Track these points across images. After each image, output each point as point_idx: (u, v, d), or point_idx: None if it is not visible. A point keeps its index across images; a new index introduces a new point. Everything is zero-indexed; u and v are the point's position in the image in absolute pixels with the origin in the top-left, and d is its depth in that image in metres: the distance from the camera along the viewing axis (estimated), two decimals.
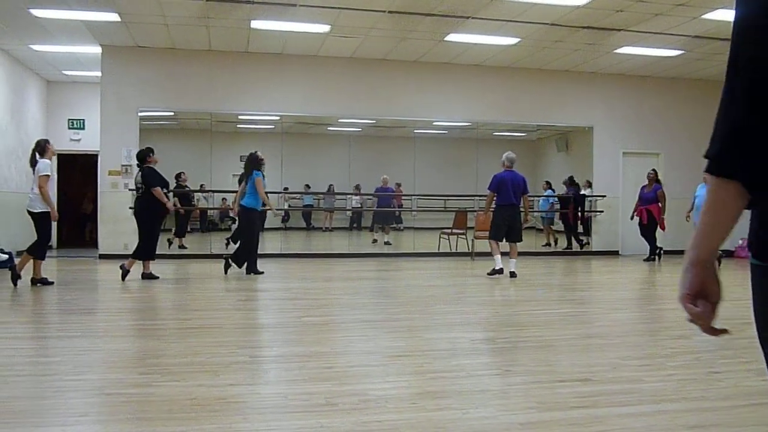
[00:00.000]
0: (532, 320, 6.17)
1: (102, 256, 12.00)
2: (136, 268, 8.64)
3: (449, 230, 13.65)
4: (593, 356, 4.62)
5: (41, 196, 7.91)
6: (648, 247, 12.78)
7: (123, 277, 8.52)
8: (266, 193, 9.70)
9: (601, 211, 14.15)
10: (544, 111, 14.20)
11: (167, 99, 12.50)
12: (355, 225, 17.18)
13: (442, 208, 15.39)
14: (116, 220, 12.11)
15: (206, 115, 13.22)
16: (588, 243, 14.51)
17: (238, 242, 9.94)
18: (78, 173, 14.92)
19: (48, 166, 8.02)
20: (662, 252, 12.79)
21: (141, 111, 12.34)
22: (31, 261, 8.16)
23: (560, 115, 14.32)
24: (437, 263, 12.01)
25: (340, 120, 14.94)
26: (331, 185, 15.84)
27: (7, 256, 10.37)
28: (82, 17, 10.24)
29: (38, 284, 8.06)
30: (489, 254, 13.30)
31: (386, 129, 15.72)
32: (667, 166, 14.67)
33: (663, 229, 12.78)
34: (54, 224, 8.53)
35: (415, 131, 15.11)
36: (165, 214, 9.09)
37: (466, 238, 13.81)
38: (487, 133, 15.60)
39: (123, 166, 12.21)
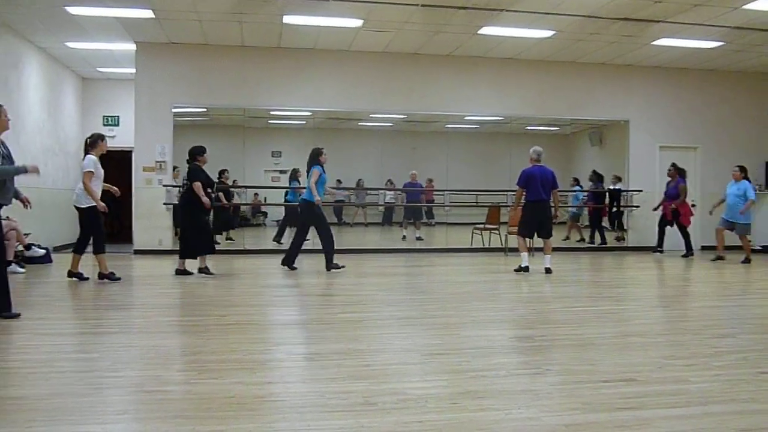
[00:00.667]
0: (569, 317, 6.06)
1: (137, 252, 12.11)
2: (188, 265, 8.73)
3: (482, 226, 13.53)
4: (635, 355, 4.50)
5: (85, 192, 7.97)
6: (683, 242, 12.56)
7: (179, 273, 8.73)
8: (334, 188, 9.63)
9: (637, 206, 13.91)
10: (579, 105, 14.00)
11: (200, 95, 12.56)
12: (386, 222, 17.11)
13: (474, 203, 15.26)
14: (151, 216, 12.22)
15: (239, 110, 13.25)
16: (623, 238, 14.28)
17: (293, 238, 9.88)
18: (113, 169, 15.00)
19: (93, 162, 8.05)
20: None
21: (174, 107, 12.42)
22: (73, 255, 8.31)
23: (595, 108, 14.10)
24: (470, 259, 11.92)
25: (371, 115, 14.89)
26: (360, 180, 15.72)
27: (44, 251, 10.52)
28: (116, 14, 10.32)
29: (74, 278, 8.17)
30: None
31: (418, 124, 15.61)
32: (704, 160, 14.40)
33: (686, 223, 12.60)
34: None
35: (447, 126, 15.01)
36: (207, 210, 9.08)
37: (499, 234, 13.68)
38: (520, 128, 15.41)
39: (157, 162, 12.31)
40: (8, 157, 5.84)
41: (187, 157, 9.21)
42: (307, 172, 9.65)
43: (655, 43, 11.96)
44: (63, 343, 4.83)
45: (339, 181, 16.58)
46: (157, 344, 4.79)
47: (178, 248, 9.28)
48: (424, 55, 13.08)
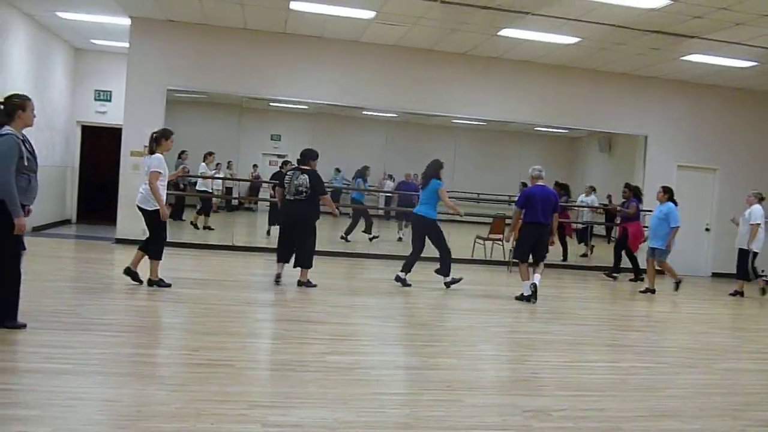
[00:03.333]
0: (589, 380, 5.38)
1: (119, 240, 11.39)
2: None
3: (485, 236, 12.82)
4: None
5: (152, 193, 7.37)
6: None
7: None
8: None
9: (646, 227, 13.21)
10: (596, 115, 13.27)
11: (196, 78, 11.78)
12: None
13: (476, 203, 14.61)
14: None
15: (237, 98, 12.51)
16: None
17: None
18: (103, 147, 14.27)
19: (161, 161, 7.45)
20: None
21: (168, 89, 11.64)
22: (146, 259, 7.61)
23: (613, 121, 13.38)
24: (471, 274, 10.99)
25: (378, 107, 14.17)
26: (367, 168, 14.91)
27: None
28: None
29: (155, 286, 7.52)
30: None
31: (424, 117, 14.88)
32: (722, 182, 13.71)
33: (633, 248, 11.86)
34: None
35: (454, 121, 14.34)
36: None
37: (503, 246, 13.00)
38: (529, 128, 14.74)
39: (146, 147, 11.49)
40: (32, 156, 5.38)
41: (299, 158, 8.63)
42: (424, 184, 9.17)
43: (684, 58, 11.22)
44: None
45: (337, 170, 15.94)
46: (110, 398, 4.08)
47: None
48: (438, 52, 12.31)
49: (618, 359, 6.24)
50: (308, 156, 8.44)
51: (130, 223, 11.38)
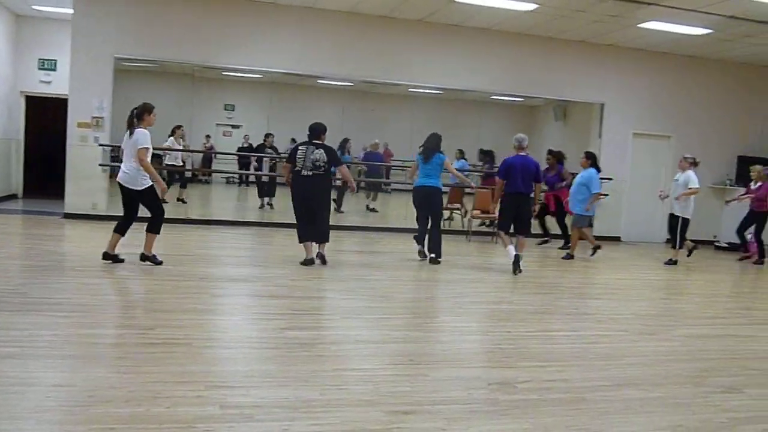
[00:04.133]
0: (552, 349, 5.37)
1: (67, 215, 11.02)
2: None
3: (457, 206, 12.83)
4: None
5: (145, 171, 7.13)
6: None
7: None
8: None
9: (606, 195, 13.31)
10: (553, 83, 13.23)
11: (146, 45, 11.35)
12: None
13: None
14: (85, 178, 11.10)
15: (189, 67, 12.13)
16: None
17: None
18: (50, 118, 13.73)
19: (147, 137, 7.16)
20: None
21: (116, 56, 11.21)
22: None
23: (570, 89, 13.38)
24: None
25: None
26: (347, 139, 14.69)
27: None
28: None
29: (148, 262, 7.39)
30: (486, 234, 12.66)
31: (381, 86, 14.71)
32: (677, 149, 13.84)
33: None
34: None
35: (411, 90, 14.22)
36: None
37: (462, 215, 13.00)
38: (485, 96, 14.69)
39: (94, 117, 11.14)
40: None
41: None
42: (426, 158, 8.96)
43: (641, 25, 11.22)
44: None
45: (293, 140, 15.72)
46: (60, 382, 3.90)
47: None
48: (395, 19, 12.09)
49: (579, 327, 6.24)
50: (318, 130, 8.28)
51: (79, 198, 11.08)
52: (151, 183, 7.27)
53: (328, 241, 8.33)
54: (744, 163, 13.99)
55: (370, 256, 9.13)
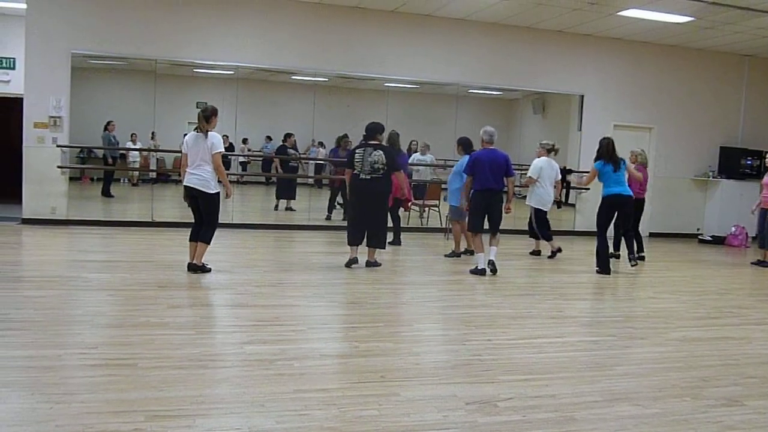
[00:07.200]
0: (536, 360, 4.96)
1: (25, 221, 10.45)
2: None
3: (420, 201, 12.35)
4: None
5: (219, 176, 7.09)
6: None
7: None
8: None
9: (587, 189, 12.96)
10: (532, 75, 12.86)
11: (105, 41, 10.78)
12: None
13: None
14: (43, 181, 10.54)
15: (150, 63, 11.55)
16: None
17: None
18: (10, 119, 13.07)
19: (221, 141, 7.15)
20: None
21: (73, 52, 10.63)
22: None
23: (549, 80, 12.99)
24: (407, 244, 10.55)
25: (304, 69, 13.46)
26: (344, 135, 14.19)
27: None
28: None
29: (199, 272, 7.26)
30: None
31: (355, 81, 14.25)
32: (658, 140, 13.57)
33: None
34: None
35: (387, 84, 13.77)
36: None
37: (439, 212, 12.59)
38: (463, 90, 14.27)
39: (51, 117, 10.57)
40: None
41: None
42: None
43: (621, 13, 10.85)
44: None
45: (269, 138, 15.26)
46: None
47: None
48: (366, 9, 11.62)
49: (564, 333, 5.83)
50: (376, 130, 7.99)
51: (37, 202, 10.52)
52: (218, 189, 7.17)
53: (383, 248, 8.15)
54: (727, 154, 13.72)
55: (340, 257, 8.63)
